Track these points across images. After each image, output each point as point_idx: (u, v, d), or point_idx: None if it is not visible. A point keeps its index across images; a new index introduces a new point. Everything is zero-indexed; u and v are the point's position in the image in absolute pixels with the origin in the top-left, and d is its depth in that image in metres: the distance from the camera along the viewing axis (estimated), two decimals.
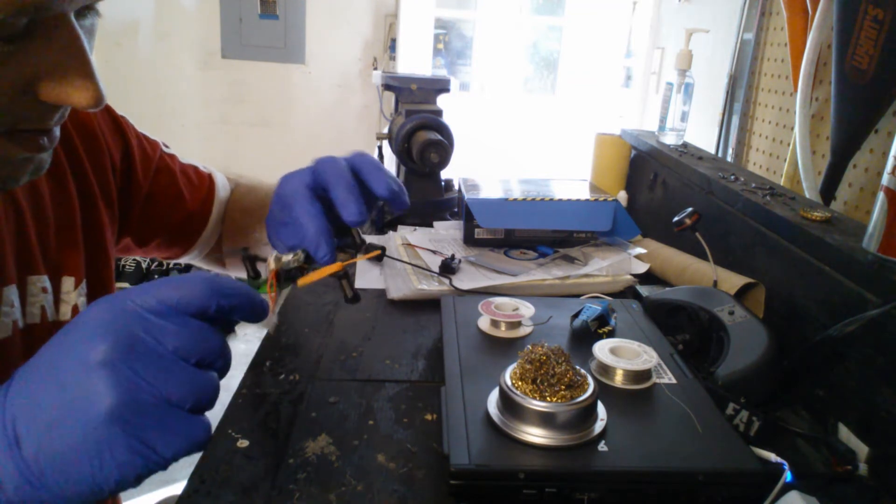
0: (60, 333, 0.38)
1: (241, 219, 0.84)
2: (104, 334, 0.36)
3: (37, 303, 0.61)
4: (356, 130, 3.28)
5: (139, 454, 0.35)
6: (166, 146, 0.81)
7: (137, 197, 0.74)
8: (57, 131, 0.49)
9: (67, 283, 0.64)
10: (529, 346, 0.59)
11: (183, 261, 0.85)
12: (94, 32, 0.47)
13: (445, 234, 1.19)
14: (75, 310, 0.64)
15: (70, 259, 0.65)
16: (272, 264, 0.51)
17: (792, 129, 1.25)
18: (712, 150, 1.59)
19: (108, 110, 0.73)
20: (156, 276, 3.27)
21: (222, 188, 0.85)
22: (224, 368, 0.40)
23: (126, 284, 3.25)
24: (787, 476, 0.54)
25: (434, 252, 1.08)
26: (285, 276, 0.52)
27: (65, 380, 0.35)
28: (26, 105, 0.44)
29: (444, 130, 1.24)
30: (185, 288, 0.38)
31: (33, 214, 0.61)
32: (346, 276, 0.54)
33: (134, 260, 3.10)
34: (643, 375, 0.65)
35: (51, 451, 0.35)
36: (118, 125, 0.73)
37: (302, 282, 0.52)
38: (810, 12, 1.17)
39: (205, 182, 0.82)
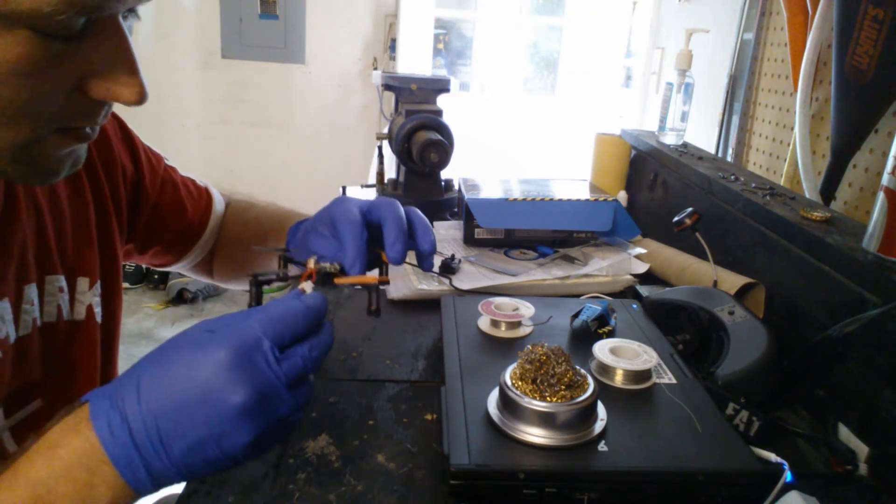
0: (190, 361, 0.43)
1: (242, 230, 0.88)
2: (242, 378, 0.42)
3: (53, 302, 0.62)
4: (356, 130, 3.28)
5: (258, 446, 0.44)
6: (166, 159, 0.85)
7: (145, 206, 0.78)
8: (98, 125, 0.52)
9: (83, 283, 0.65)
10: (529, 346, 0.59)
11: (173, 269, 0.89)
12: (132, 32, 0.50)
13: (445, 234, 1.19)
14: (90, 310, 0.66)
15: (85, 260, 0.66)
16: (311, 264, 0.56)
17: (792, 129, 1.25)
18: (712, 150, 1.59)
19: (121, 124, 0.75)
20: (155, 276, 3.27)
21: (218, 202, 0.89)
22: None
23: (126, 284, 3.25)
24: (787, 476, 0.54)
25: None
26: (322, 277, 0.57)
27: (210, 413, 0.42)
28: (77, 102, 0.46)
29: (444, 130, 1.24)
30: (291, 325, 0.46)
31: (52, 216, 0.62)
32: (377, 289, 0.59)
33: None
34: (643, 375, 0.65)
35: (186, 434, 0.42)
36: (129, 137, 0.76)
37: (338, 281, 0.57)
38: (810, 12, 1.17)
39: (203, 195, 0.87)
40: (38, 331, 0.60)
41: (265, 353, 0.44)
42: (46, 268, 0.61)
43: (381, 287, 0.59)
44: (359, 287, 0.60)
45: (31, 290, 0.59)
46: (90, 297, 0.66)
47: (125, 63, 0.46)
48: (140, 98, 0.47)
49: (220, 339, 0.43)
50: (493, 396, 0.59)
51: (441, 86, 1.33)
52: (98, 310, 0.68)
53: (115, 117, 0.74)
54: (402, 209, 0.62)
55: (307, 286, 0.53)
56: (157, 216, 0.79)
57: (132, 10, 0.49)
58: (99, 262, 0.68)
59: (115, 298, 0.71)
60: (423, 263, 0.65)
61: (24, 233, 0.58)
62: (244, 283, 0.90)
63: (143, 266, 3.18)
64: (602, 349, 0.67)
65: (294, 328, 0.46)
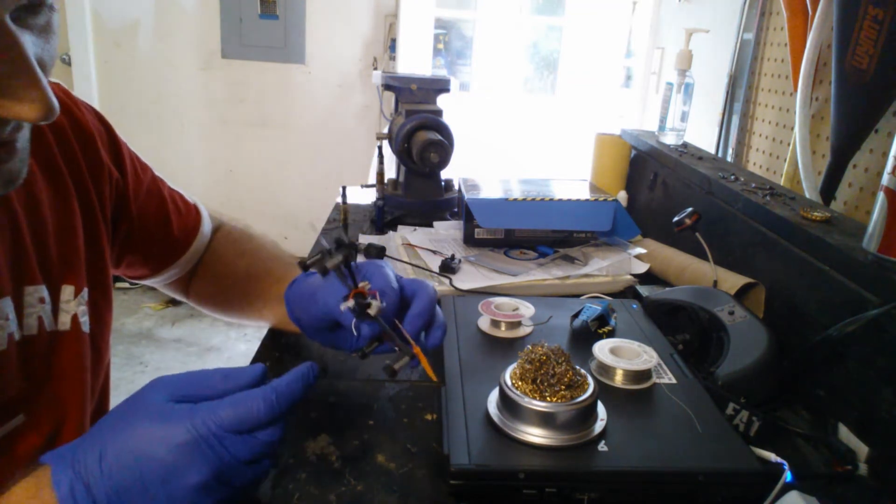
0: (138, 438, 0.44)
1: (236, 261, 0.84)
2: (200, 460, 0.43)
3: (34, 313, 0.59)
4: (356, 130, 3.28)
5: None
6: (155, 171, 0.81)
7: (127, 214, 0.74)
8: (21, 140, 0.47)
9: (67, 291, 0.63)
10: (529, 346, 0.59)
11: (147, 283, 0.84)
12: (50, 30, 0.44)
13: (445, 234, 1.19)
14: (74, 319, 0.63)
15: (70, 267, 0.63)
16: (362, 285, 0.57)
17: (792, 129, 1.25)
18: (712, 150, 1.59)
19: (107, 127, 0.72)
20: None
21: (206, 222, 0.84)
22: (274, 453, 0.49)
23: (126, 284, 3.25)
24: (787, 476, 0.54)
25: (434, 252, 1.08)
26: (363, 307, 0.56)
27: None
28: None
29: (444, 130, 1.24)
30: (250, 414, 0.46)
31: (30, 223, 0.59)
32: (411, 357, 0.58)
33: None
34: (643, 375, 0.65)
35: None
36: (114, 142, 0.72)
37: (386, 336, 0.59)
38: (810, 12, 1.17)
39: (191, 212, 0.82)
40: (16, 345, 0.57)
41: (222, 441, 0.45)
42: (24, 278, 0.58)
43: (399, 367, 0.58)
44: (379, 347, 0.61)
45: (6, 304, 0.56)
46: (75, 305, 0.63)
47: (19, 75, 0.40)
48: (44, 115, 0.41)
49: (180, 418, 0.44)
50: (493, 396, 0.59)
51: (441, 86, 1.33)
52: (85, 319, 0.64)
53: (102, 121, 0.71)
54: (435, 295, 0.63)
55: (350, 304, 0.55)
56: (138, 226, 0.75)
57: (40, 5, 0.42)
58: (86, 268, 0.65)
59: (105, 305, 0.68)
60: (415, 357, 0.62)
61: None
62: (222, 310, 0.85)
63: None
64: (602, 349, 0.67)
65: (252, 426, 0.46)
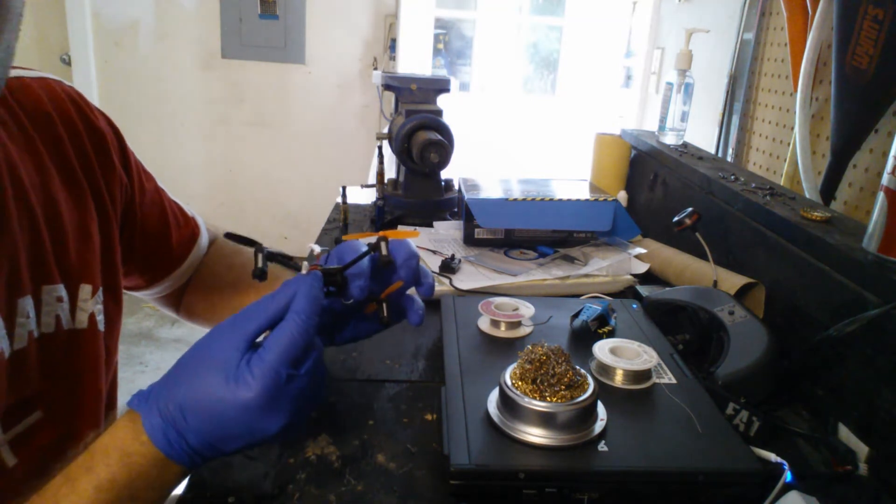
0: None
1: (225, 275, 0.83)
2: (277, 414, 0.47)
3: (52, 312, 0.60)
4: (356, 130, 3.29)
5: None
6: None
7: (132, 221, 0.74)
8: None
9: (84, 290, 0.64)
10: (529, 346, 0.59)
11: (139, 294, 0.82)
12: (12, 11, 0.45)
13: (445, 234, 1.19)
14: (92, 318, 0.64)
15: (87, 267, 0.64)
16: (316, 250, 0.57)
17: (792, 129, 1.25)
18: (712, 150, 1.59)
19: (118, 134, 0.72)
20: None
21: (203, 236, 0.84)
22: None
23: None
24: (787, 476, 0.54)
25: (434, 252, 1.08)
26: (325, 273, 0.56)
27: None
28: None
29: (444, 130, 1.23)
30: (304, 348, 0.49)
31: (48, 223, 0.60)
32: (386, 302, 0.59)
33: None
34: (643, 375, 0.65)
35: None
36: (124, 149, 0.73)
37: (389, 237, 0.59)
38: (810, 12, 1.17)
39: (189, 225, 0.82)
40: (35, 343, 0.58)
41: (293, 390, 0.48)
42: (43, 278, 0.59)
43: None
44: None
45: (26, 303, 0.57)
46: (92, 304, 0.64)
47: None
48: None
49: (253, 380, 0.46)
50: (493, 396, 0.59)
51: (441, 86, 1.33)
52: (101, 318, 0.65)
53: (113, 127, 0.71)
54: (416, 252, 0.63)
55: (305, 266, 0.54)
56: (140, 234, 0.75)
57: None
58: (101, 267, 0.66)
59: (116, 306, 0.69)
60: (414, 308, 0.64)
61: (15, 245, 0.56)
62: (213, 325, 0.85)
63: None
64: (602, 349, 0.67)
65: (307, 348, 0.49)
